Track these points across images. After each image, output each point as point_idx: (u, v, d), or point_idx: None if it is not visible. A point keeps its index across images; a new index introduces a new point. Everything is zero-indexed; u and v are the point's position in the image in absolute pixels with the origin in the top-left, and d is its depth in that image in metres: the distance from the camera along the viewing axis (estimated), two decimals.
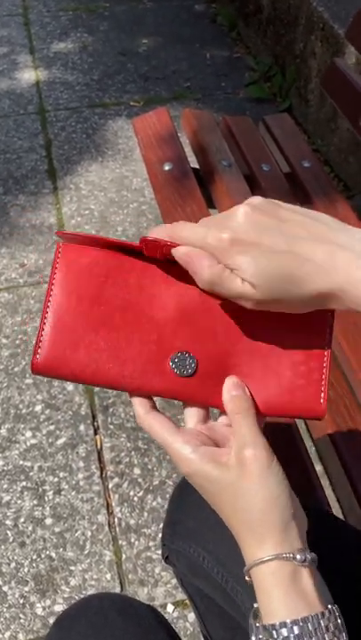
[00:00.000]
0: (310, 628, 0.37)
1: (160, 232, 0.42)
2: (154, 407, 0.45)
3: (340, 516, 0.86)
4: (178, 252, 0.41)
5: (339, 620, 0.38)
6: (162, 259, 0.44)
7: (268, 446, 0.41)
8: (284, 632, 0.37)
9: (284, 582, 0.39)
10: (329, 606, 0.39)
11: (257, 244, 0.38)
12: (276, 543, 0.40)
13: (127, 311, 0.45)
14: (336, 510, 0.95)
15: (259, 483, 0.40)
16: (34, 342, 0.48)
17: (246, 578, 0.41)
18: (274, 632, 0.38)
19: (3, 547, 1.10)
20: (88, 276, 0.46)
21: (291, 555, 0.39)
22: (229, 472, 0.41)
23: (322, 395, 0.44)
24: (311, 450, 1.04)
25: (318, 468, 0.93)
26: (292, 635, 0.37)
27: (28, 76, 2.32)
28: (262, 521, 0.40)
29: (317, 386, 0.44)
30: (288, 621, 0.37)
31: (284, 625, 0.38)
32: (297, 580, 0.39)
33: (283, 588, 0.39)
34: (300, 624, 0.37)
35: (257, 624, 0.39)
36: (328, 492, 0.82)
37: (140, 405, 0.45)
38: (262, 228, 0.39)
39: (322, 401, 0.44)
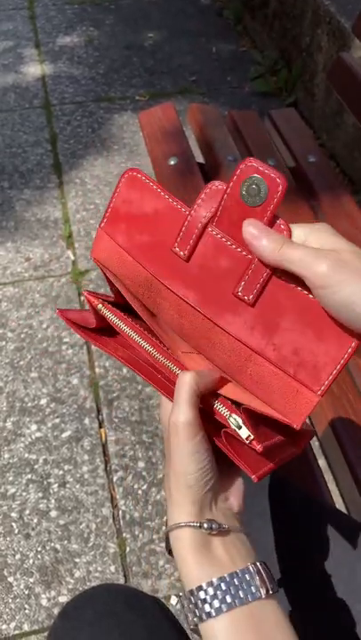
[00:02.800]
0: (223, 586, 0.40)
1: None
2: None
3: (344, 510, 0.86)
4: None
5: (257, 577, 0.41)
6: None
7: (196, 422, 0.42)
8: (202, 595, 0.40)
9: (194, 548, 0.42)
10: (249, 565, 0.42)
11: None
12: (188, 512, 0.42)
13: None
14: (339, 504, 0.95)
15: (176, 453, 0.42)
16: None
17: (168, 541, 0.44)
18: (192, 597, 0.41)
19: (8, 538, 1.11)
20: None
21: (198, 524, 0.42)
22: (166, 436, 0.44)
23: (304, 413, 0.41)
24: (315, 444, 1.05)
25: (322, 462, 0.94)
26: (207, 596, 0.40)
27: (34, 69, 2.32)
28: (176, 489, 0.43)
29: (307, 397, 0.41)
30: (203, 584, 0.41)
31: (200, 588, 0.41)
32: (208, 546, 0.42)
33: (195, 555, 0.42)
34: (214, 584, 0.40)
35: (180, 594, 0.42)
36: (332, 486, 0.83)
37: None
38: None
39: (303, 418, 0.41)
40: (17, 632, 1.00)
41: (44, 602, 1.04)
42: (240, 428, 0.41)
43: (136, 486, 1.17)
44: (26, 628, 1.01)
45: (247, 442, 0.41)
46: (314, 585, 0.57)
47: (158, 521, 1.13)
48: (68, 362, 1.38)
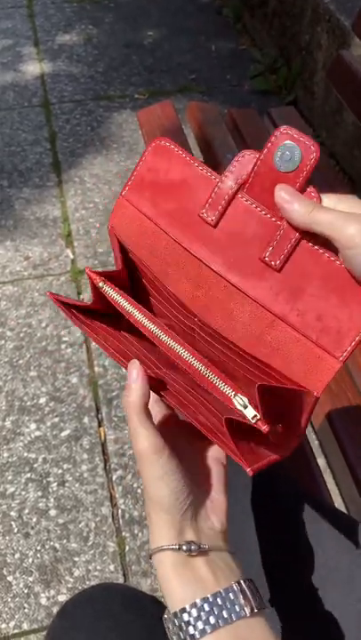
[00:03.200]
0: (207, 607, 0.40)
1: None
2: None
3: (343, 509, 0.86)
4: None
5: (241, 595, 0.40)
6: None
7: (158, 443, 0.41)
8: (185, 617, 0.40)
9: (177, 571, 0.41)
10: (232, 583, 0.41)
11: None
12: (167, 535, 0.42)
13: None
14: (339, 503, 0.95)
15: (147, 479, 0.42)
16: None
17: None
18: (175, 620, 0.40)
19: (7, 537, 1.11)
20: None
21: (177, 546, 0.42)
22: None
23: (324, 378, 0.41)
24: (314, 443, 1.05)
25: (321, 461, 0.94)
26: (191, 618, 0.40)
27: (33, 68, 2.32)
28: (154, 513, 0.42)
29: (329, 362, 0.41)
30: (186, 606, 0.40)
31: (183, 610, 0.40)
32: (190, 567, 0.42)
33: (177, 577, 0.41)
34: (198, 605, 0.40)
35: (165, 616, 0.42)
36: (332, 486, 0.82)
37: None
38: None
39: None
40: (16, 631, 1.00)
41: (43, 601, 1.04)
42: (246, 407, 0.40)
43: (135, 485, 1.17)
44: (25, 627, 1.01)
45: (253, 422, 0.39)
46: (306, 589, 0.57)
47: None
48: (67, 361, 1.38)
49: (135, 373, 0.42)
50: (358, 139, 1.76)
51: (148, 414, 0.42)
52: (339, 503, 0.87)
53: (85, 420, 1.27)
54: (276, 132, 0.42)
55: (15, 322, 1.46)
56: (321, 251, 0.42)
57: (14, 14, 2.63)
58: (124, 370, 1.41)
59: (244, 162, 0.44)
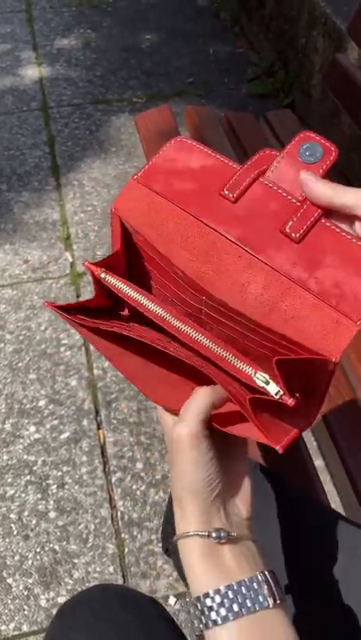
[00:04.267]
0: (230, 595, 0.40)
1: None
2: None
3: (341, 510, 0.87)
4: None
5: (265, 585, 0.41)
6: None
7: (201, 433, 0.42)
8: (208, 602, 0.40)
9: (203, 557, 0.42)
10: (257, 573, 0.42)
11: None
12: (196, 521, 0.42)
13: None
14: (337, 504, 0.96)
15: (180, 462, 0.42)
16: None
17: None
18: (198, 604, 0.41)
19: (7, 540, 1.11)
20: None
21: (206, 533, 0.42)
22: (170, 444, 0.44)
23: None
24: (312, 445, 1.06)
25: (319, 462, 0.95)
26: (214, 604, 0.40)
27: (32, 72, 2.33)
28: (184, 497, 0.43)
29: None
30: (210, 591, 0.41)
31: (206, 595, 0.41)
32: (216, 555, 0.42)
33: (203, 563, 0.42)
34: (221, 592, 0.40)
35: (186, 599, 0.42)
36: (330, 487, 0.83)
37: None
38: None
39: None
40: (16, 633, 1.01)
41: (42, 603, 1.04)
42: (268, 383, 0.40)
43: (134, 487, 1.18)
44: (25, 628, 1.01)
45: (277, 397, 0.40)
46: (324, 577, 0.57)
47: (157, 521, 1.13)
48: (66, 363, 1.38)
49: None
50: (355, 141, 1.77)
51: (209, 414, 0.43)
52: (337, 503, 0.88)
53: (85, 422, 1.28)
54: (301, 133, 0.46)
55: (14, 325, 1.47)
56: (338, 230, 0.44)
57: (13, 19, 2.64)
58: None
59: (265, 156, 0.47)
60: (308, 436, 0.94)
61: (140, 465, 1.21)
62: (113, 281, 0.45)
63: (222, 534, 0.42)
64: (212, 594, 0.40)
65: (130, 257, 0.49)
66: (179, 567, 0.74)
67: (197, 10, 2.72)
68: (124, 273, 0.49)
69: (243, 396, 0.42)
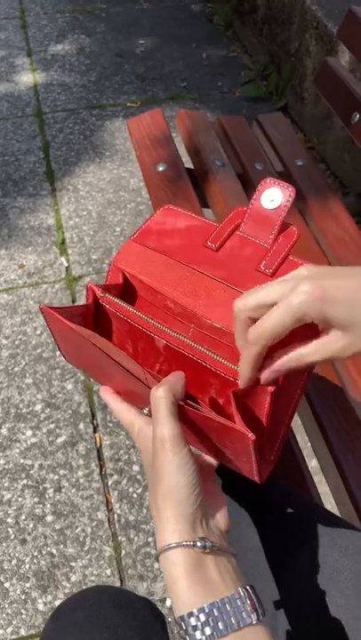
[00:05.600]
0: (215, 612, 0.39)
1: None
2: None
3: (336, 510, 0.87)
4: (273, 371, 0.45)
5: (248, 601, 0.40)
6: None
7: (181, 434, 0.43)
8: (193, 621, 0.39)
9: (187, 570, 0.40)
10: (239, 589, 0.41)
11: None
12: (180, 530, 0.41)
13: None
14: (332, 506, 0.96)
15: (165, 467, 0.42)
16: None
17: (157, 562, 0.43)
18: (182, 623, 0.39)
19: (4, 544, 1.11)
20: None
21: (191, 543, 0.41)
22: (149, 451, 0.44)
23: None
24: (307, 445, 1.06)
25: (314, 462, 0.95)
26: (199, 623, 0.39)
27: (26, 78, 2.34)
28: (167, 507, 0.42)
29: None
30: (195, 610, 0.39)
31: (191, 614, 0.39)
32: (201, 568, 0.41)
33: (186, 576, 0.40)
34: (206, 610, 0.39)
35: (169, 619, 0.41)
36: (326, 488, 0.83)
37: (112, 400, 0.53)
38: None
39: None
40: (14, 637, 1.01)
41: (40, 606, 1.04)
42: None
43: (131, 490, 1.18)
44: (23, 632, 1.02)
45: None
46: (312, 590, 0.57)
47: (153, 524, 1.13)
48: (62, 367, 1.39)
49: (179, 374, 0.46)
50: (348, 143, 1.78)
51: (176, 408, 0.44)
52: (332, 505, 0.88)
53: (81, 426, 1.28)
54: (262, 181, 0.54)
55: (10, 330, 1.47)
56: (301, 263, 0.52)
57: (7, 25, 2.65)
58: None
59: (239, 212, 0.56)
60: (303, 436, 0.94)
61: (136, 467, 1.21)
62: (113, 299, 0.53)
63: (207, 544, 0.41)
64: (196, 612, 0.39)
65: (122, 296, 0.56)
66: None
67: (191, 14, 2.73)
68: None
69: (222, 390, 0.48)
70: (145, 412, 0.51)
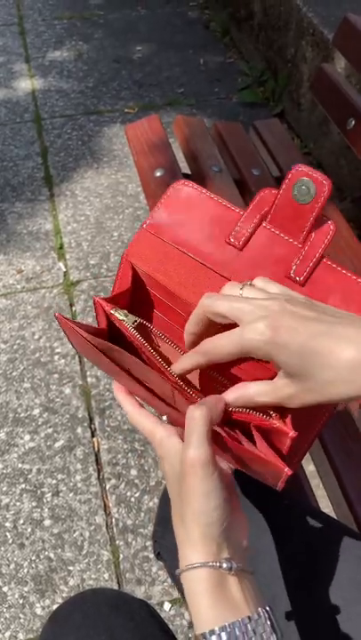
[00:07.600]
0: (237, 632, 0.39)
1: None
2: (141, 405, 0.50)
3: (333, 514, 0.87)
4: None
5: (268, 622, 0.40)
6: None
7: (213, 458, 0.42)
8: (214, 639, 0.39)
9: (210, 589, 0.41)
10: (259, 609, 0.41)
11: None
12: (206, 551, 0.41)
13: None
14: (330, 510, 0.96)
15: (195, 491, 0.41)
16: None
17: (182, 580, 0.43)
18: None
19: (2, 548, 1.12)
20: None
21: (217, 564, 0.41)
22: (175, 469, 0.44)
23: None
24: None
25: (312, 468, 0.95)
26: None
27: (24, 84, 2.35)
28: (194, 529, 0.42)
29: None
30: (216, 628, 0.39)
31: (212, 632, 0.39)
32: (223, 587, 0.41)
33: (210, 596, 0.41)
34: (228, 629, 0.39)
35: (190, 635, 0.41)
36: (322, 492, 0.84)
37: (129, 404, 0.51)
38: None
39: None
40: None
41: (38, 611, 1.04)
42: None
43: (129, 494, 1.18)
44: (21, 637, 1.02)
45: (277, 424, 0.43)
46: (325, 602, 0.57)
47: (151, 528, 1.14)
48: (60, 372, 1.39)
49: (219, 398, 0.44)
50: (344, 149, 1.79)
51: (211, 432, 0.42)
52: (330, 509, 0.88)
53: (79, 430, 1.29)
54: (293, 169, 0.47)
55: (8, 334, 1.47)
56: (340, 268, 0.47)
57: (5, 32, 2.66)
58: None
59: (265, 197, 0.49)
60: None
61: (134, 472, 1.22)
62: (120, 316, 0.48)
63: (233, 565, 0.41)
64: (217, 630, 0.39)
65: (134, 293, 0.52)
66: (171, 573, 0.74)
67: (188, 21, 2.75)
68: (128, 306, 0.52)
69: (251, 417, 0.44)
70: (164, 419, 0.48)
